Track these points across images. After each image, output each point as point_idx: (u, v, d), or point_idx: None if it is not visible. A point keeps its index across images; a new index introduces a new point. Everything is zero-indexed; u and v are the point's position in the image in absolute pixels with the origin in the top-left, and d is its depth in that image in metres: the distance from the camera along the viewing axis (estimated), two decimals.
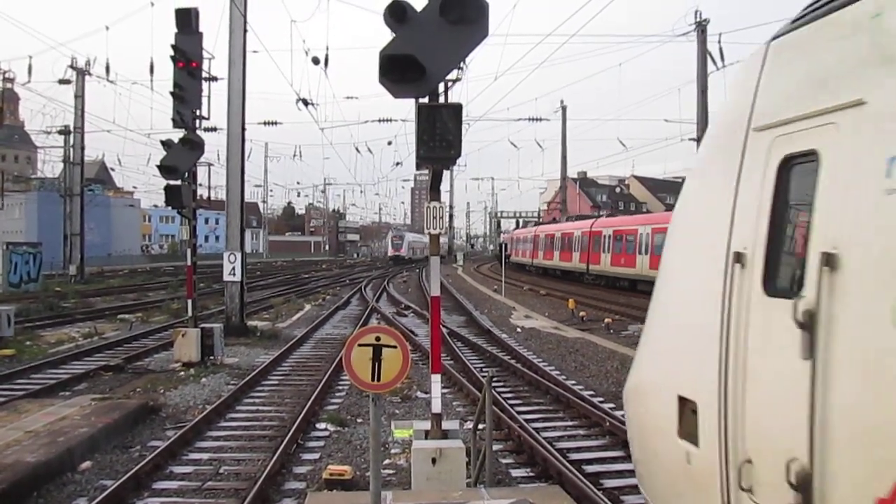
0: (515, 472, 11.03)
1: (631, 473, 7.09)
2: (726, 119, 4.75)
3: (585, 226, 53.85)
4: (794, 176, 3.87)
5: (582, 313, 31.00)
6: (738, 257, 4.08)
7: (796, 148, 3.81)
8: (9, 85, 47.95)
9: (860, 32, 3.56)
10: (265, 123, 50.13)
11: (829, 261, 3.37)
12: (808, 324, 3.42)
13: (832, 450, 3.28)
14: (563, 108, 42.82)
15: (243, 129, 25.74)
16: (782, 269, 3.90)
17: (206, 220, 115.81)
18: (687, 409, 4.42)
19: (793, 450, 3.46)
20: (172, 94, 20.28)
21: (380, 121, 48.33)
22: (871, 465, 3.09)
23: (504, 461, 11.48)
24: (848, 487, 3.20)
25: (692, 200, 5.05)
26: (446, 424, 9.16)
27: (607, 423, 12.86)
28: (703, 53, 29.38)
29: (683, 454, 4.44)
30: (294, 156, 79.36)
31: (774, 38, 4.37)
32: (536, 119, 46.50)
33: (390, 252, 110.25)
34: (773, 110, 4.07)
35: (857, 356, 3.24)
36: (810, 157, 3.66)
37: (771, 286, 3.86)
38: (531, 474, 10.94)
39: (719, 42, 28.95)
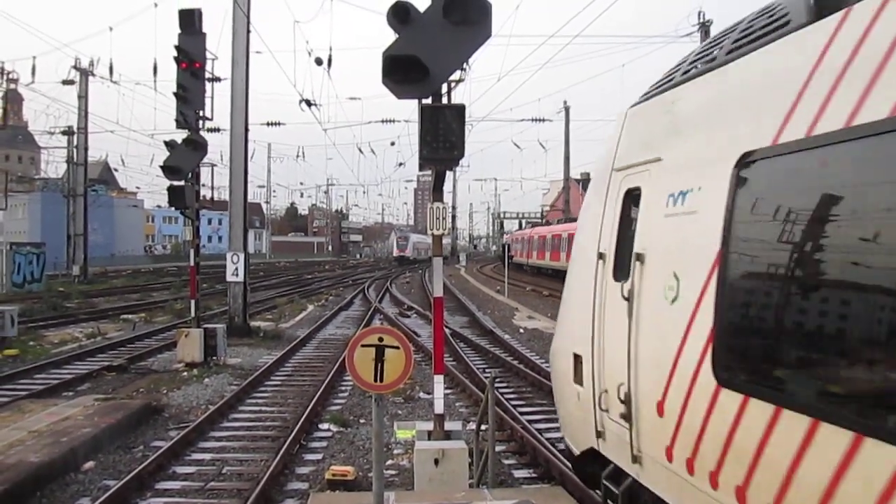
0: (518, 473, 11.03)
1: None
2: (601, 162, 6.82)
3: (572, 227, 54.00)
4: (630, 203, 5.87)
5: None
6: (601, 256, 6.13)
7: (632, 184, 5.81)
8: (12, 85, 48.11)
9: (666, 112, 5.51)
10: (268, 124, 50.19)
11: (639, 258, 5.36)
12: (629, 298, 5.41)
13: (638, 376, 5.27)
14: (567, 109, 42.80)
15: (246, 129, 25.77)
16: (621, 264, 5.80)
17: (210, 221, 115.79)
18: (578, 362, 6.40)
19: (622, 379, 5.46)
20: (176, 94, 20.30)
21: (383, 121, 48.34)
22: (653, 383, 5.01)
23: (507, 462, 11.48)
24: (646, 398, 5.16)
25: (583, 217, 7.32)
26: (449, 425, 9.15)
27: None
28: None
29: (576, 394, 6.46)
30: (297, 156, 79.86)
31: (631, 106, 6.33)
32: (539, 120, 46.42)
33: (395, 252, 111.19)
34: (624, 158, 6.10)
35: (648, 317, 5.20)
36: (637, 191, 5.69)
37: (616, 275, 5.84)
38: (534, 475, 10.94)
39: None
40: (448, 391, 15.54)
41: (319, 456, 11.95)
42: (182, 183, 19.59)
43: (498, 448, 10.62)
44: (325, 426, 13.71)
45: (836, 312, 3.68)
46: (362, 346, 6.44)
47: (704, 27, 28.94)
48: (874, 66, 3.45)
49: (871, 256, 3.46)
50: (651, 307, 5.16)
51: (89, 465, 11.13)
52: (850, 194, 3.65)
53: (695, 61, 5.52)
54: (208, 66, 21.32)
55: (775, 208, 4.08)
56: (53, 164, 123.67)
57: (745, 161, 4.33)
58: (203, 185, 23.52)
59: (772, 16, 4.62)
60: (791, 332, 3.96)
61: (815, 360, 3.85)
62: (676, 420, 4.71)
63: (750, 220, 4.29)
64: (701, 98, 5.12)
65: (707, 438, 4.40)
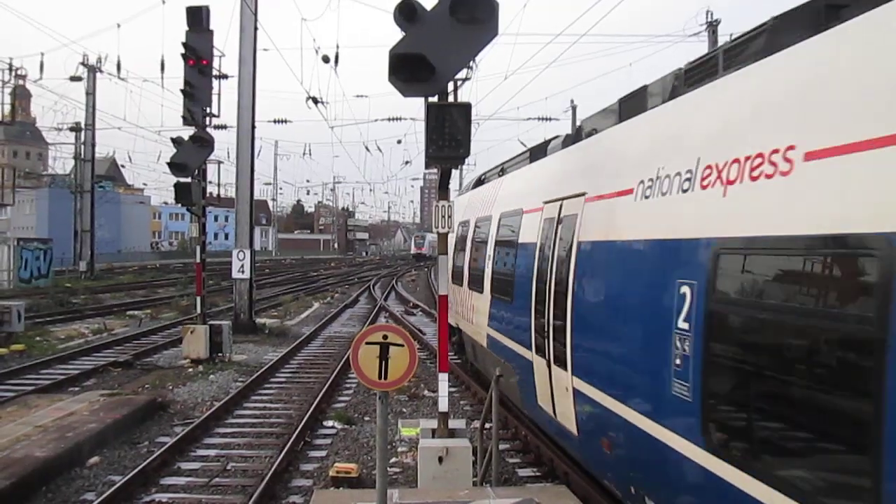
0: (522, 472, 11.04)
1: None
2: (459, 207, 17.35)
3: None
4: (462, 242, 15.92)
5: None
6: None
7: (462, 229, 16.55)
8: (21, 82, 48.16)
9: (487, 192, 15.40)
10: (275, 121, 50.26)
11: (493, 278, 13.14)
12: (489, 297, 13.18)
13: (478, 324, 14.01)
14: (573, 108, 42.55)
15: (253, 126, 25.79)
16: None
17: (216, 218, 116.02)
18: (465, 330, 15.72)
19: (476, 327, 14.17)
20: (183, 91, 20.34)
21: (389, 119, 48.31)
22: (473, 326, 14.67)
23: (511, 460, 11.49)
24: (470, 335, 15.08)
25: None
26: (453, 423, 9.16)
27: None
28: None
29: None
30: (304, 154, 79.57)
31: (458, 195, 18.68)
32: (546, 119, 46.26)
33: (413, 250, 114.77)
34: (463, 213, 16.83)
35: (484, 302, 13.48)
36: (465, 224, 16.33)
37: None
38: (538, 474, 10.95)
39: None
40: (452, 389, 15.55)
41: (324, 453, 11.98)
42: (189, 180, 19.62)
43: (502, 446, 10.62)
44: (329, 423, 13.73)
45: None
46: (367, 343, 6.45)
47: (712, 26, 28.79)
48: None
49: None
50: (478, 296, 14.01)
51: (94, 460, 11.17)
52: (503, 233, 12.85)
53: (475, 185, 18.06)
54: (215, 64, 21.38)
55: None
56: (61, 161, 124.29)
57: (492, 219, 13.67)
58: (210, 182, 23.70)
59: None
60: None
61: None
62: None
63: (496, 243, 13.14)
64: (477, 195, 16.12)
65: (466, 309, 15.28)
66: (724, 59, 6.68)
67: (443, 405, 9.09)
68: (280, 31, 35.47)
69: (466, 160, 9.17)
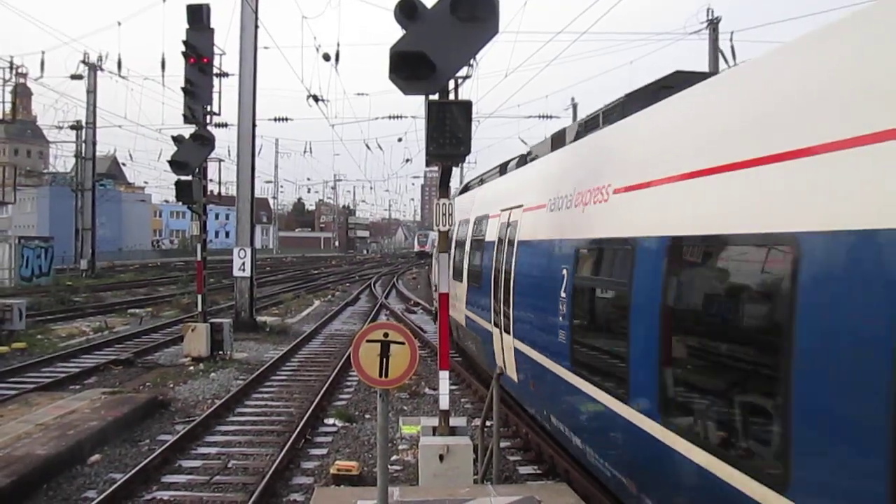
0: (523, 470, 11.04)
1: None
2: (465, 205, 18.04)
3: None
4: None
5: None
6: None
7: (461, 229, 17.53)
8: (21, 80, 48.12)
9: (469, 198, 18.01)
10: (276, 119, 50.25)
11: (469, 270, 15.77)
12: (466, 286, 15.95)
13: (459, 309, 16.41)
14: (574, 106, 42.46)
15: (254, 125, 25.78)
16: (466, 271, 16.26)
17: (217, 216, 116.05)
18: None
19: (458, 312, 16.42)
20: (184, 89, 20.33)
21: (390, 117, 48.32)
22: (456, 311, 16.50)
23: (511, 458, 11.50)
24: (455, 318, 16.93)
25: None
26: (454, 421, 9.17)
27: None
28: (715, 51, 29.16)
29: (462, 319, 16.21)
30: (304, 152, 79.37)
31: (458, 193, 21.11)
32: (547, 116, 46.18)
33: (416, 248, 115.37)
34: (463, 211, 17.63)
35: (463, 289, 16.23)
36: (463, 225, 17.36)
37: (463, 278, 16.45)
38: (538, 472, 10.95)
39: (731, 40, 28.68)
40: (453, 387, 15.56)
41: (325, 451, 11.99)
42: (189, 178, 19.62)
43: (502, 444, 10.62)
44: (330, 421, 13.74)
45: None
46: (368, 341, 6.45)
47: (713, 24, 28.75)
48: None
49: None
50: (466, 287, 15.96)
51: (96, 458, 11.19)
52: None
53: (461, 191, 22.04)
54: (216, 62, 21.34)
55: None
56: (62, 159, 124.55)
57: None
58: (210, 181, 23.58)
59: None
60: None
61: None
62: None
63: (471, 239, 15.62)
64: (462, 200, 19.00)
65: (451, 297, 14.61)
66: (602, 118, 9.63)
67: (444, 403, 9.10)
68: (281, 28, 35.47)
69: (467, 158, 9.18)
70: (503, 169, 15.87)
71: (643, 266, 6.46)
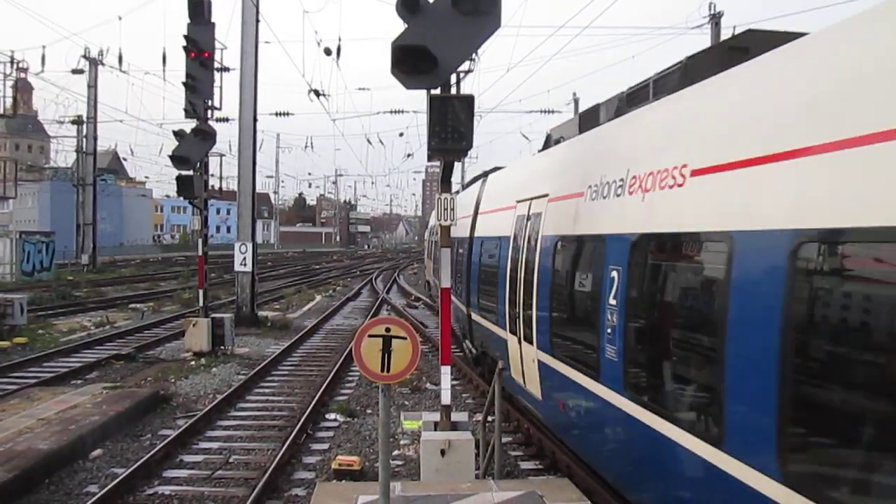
0: (524, 465, 11.04)
1: None
2: (467, 201, 17.06)
3: None
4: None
5: None
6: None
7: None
8: (22, 74, 48.03)
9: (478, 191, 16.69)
10: (277, 114, 50.04)
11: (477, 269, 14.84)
12: (471, 286, 15.54)
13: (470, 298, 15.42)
14: (576, 101, 42.34)
15: (255, 119, 25.75)
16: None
17: (218, 211, 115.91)
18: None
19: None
20: (185, 84, 20.29)
21: (392, 112, 48.17)
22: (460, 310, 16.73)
23: (513, 453, 11.50)
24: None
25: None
26: (455, 416, 9.16)
27: None
28: None
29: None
30: (305, 147, 79.36)
31: (483, 176, 17.64)
32: (549, 111, 46.09)
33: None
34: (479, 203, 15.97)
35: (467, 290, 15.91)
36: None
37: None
38: (539, 467, 10.95)
39: (733, 34, 28.72)
40: (455, 382, 15.55)
41: (326, 446, 11.99)
42: (191, 172, 19.61)
43: (504, 439, 10.62)
44: (331, 416, 13.75)
45: None
46: (369, 336, 6.43)
47: (715, 19, 28.69)
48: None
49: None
50: (475, 277, 14.90)
51: (97, 452, 11.19)
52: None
53: (475, 179, 20.43)
54: (217, 56, 21.30)
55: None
56: (63, 154, 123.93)
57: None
58: (212, 175, 23.64)
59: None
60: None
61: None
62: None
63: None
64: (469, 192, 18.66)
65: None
66: (653, 88, 8.32)
67: (445, 398, 9.09)
68: (282, 23, 35.42)
69: (468, 153, 9.14)
70: (477, 178, 17.51)
71: (746, 268, 5.05)
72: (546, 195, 10.07)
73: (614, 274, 7.19)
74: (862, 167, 4.12)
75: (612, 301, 7.16)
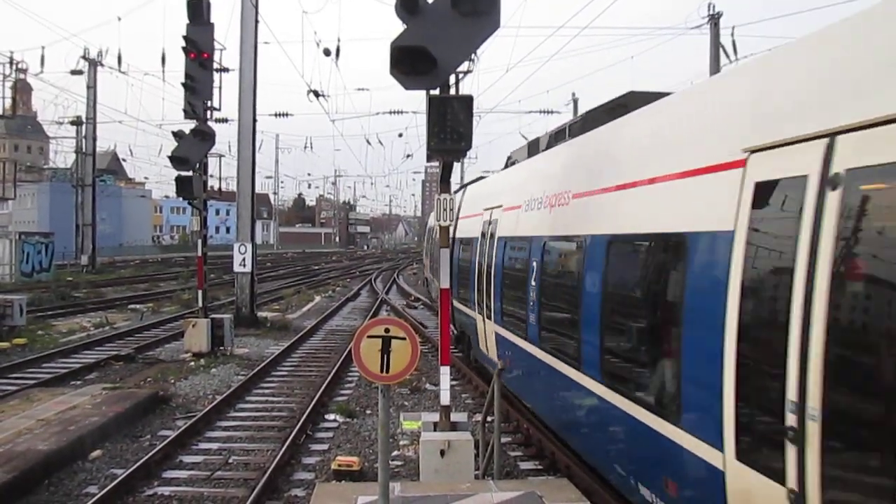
0: (524, 465, 11.05)
1: None
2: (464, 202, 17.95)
3: None
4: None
5: None
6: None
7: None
8: (21, 75, 47.97)
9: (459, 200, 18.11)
10: (276, 115, 50.01)
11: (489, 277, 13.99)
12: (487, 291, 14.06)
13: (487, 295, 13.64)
14: (575, 101, 42.33)
15: (254, 120, 25.76)
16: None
17: (217, 211, 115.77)
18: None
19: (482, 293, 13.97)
20: (184, 85, 20.29)
21: (391, 112, 48.15)
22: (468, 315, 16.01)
23: (512, 454, 11.50)
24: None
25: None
26: (455, 416, 9.16)
27: None
28: (716, 46, 29.11)
29: (476, 317, 14.70)
30: (305, 147, 79.44)
31: (461, 191, 19.73)
32: (548, 112, 46.09)
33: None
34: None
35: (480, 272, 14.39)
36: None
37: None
38: (539, 467, 10.95)
39: (732, 35, 28.58)
40: (454, 382, 15.55)
41: (326, 446, 11.99)
42: (190, 173, 19.61)
43: (504, 440, 10.62)
44: (331, 417, 13.75)
45: None
46: (369, 336, 6.44)
47: (714, 19, 28.69)
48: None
49: None
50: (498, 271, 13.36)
51: (97, 453, 11.19)
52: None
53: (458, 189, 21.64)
54: (216, 57, 21.32)
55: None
56: (62, 154, 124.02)
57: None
58: (211, 176, 23.69)
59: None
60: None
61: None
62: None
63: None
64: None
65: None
66: (569, 131, 11.44)
67: (444, 398, 9.09)
68: (281, 23, 35.42)
69: (468, 153, 9.15)
70: (471, 182, 19.55)
71: (592, 256, 8.14)
72: (501, 206, 13.04)
73: (534, 264, 10.21)
74: (625, 201, 7.33)
75: (533, 283, 10.22)
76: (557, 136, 12.00)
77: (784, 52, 5.76)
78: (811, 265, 4.21)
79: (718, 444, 5.10)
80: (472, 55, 8.90)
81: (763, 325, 4.82)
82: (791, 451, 4.26)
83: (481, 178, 20.52)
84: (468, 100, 8.48)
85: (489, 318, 13.29)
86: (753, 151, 5.07)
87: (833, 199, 4.11)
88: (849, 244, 4.06)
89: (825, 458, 4.03)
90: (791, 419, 4.27)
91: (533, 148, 13.77)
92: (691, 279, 5.74)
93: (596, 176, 8.29)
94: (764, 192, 4.90)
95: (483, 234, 14.09)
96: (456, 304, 16.74)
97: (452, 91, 8.88)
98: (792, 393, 4.28)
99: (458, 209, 17.27)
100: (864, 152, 3.97)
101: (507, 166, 16.26)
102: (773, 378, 4.50)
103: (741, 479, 4.87)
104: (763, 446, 4.73)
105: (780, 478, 4.36)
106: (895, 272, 3.85)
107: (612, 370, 7.45)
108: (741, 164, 5.16)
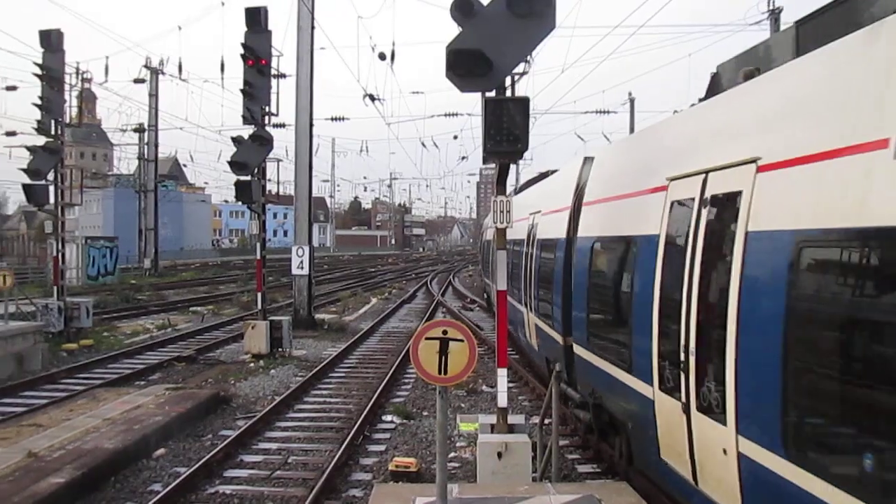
0: (581, 468, 10.94)
1: None
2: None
3: None
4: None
5: None
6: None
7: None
8: (87, 85, 49.24)
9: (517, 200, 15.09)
10: (332, 119, 50.47)
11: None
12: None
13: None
14: (632, 101, 41.83)
15: (311, 124, 26.05)
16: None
17: (275, 215, 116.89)
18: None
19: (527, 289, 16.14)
20: (242, 91, 20.62)
21: (446, 115, 48.10)
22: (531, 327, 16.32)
23: (570, 456, 11.40)
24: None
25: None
26: (512, 419, 9.13)
27: None
28: None
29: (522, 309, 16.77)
30: (361, 151, 79.73)
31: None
32: (604, 112, 45.61)
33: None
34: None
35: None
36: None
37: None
38: (597, 470, 10.83)
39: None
40: (511, 385, 15.49)
41: (383, 447, 12.05)
42: (249, 178, 19.89)
43: (561, 442, 10.53)
44: (388, 418, 13.81)
45: None
46: (427, 338, 6.47)
47: (774, 15, 28.04)
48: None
49: None
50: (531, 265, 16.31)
51: (160, 452, 11.43)
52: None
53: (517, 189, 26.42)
54: (274, 63, 21.57)
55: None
56: (125, 161, 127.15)
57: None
58: (269, 180, 23.96)
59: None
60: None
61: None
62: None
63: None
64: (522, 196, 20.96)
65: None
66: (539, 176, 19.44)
67: (502, 401, 9.07)
68: (337, 29, 35.74)
69: (524, 155, 9.12)
70: (534, 180, 22.03)
71: (554, 253, 12.84)
72: (539, 211, 15.26)
73: (560, 259, 12.31)
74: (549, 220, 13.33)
75: (557, 278, 12.29)
76: (543, 175, 19.29)
77: (687, 113, 8.66)
78: (693, 255, 6.45)
79: (650, 382, 7.31)
80: (528, 56, 8.87)
81: (670, 298, 6.95)
82: (682, 377, 6.47)
83: (532, 181, 22.61)
84: (524, 101, 8.45)
85: (531, 310, 15.31)
86: (672, 179, 7.25)
87: (704, 213, 6.40)
88: (711, 242, 6.30)
89: (698, 379, 6.21)
90: (682, 356, 6.44)
91: (538, 179, 20.37)
92: (637, 267, 8.08)
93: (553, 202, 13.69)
94: (675, 207, 7.10)
95: (528, 235, 15.99)
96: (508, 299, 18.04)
97: (508, 93, 8.86)
98: (683, 339, 6.47)
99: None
100: (716, 185, 6.30)
101: (518, 192, 22.99)
102: (677, 332, 6.62)
103: (661, 403, 7.12)
104: (670, 377, 6.86)
105: (678, 396, 6.58)
106: (734, 256, 5.73)
107: (594, 333, 10.06)
108: (665, 188, 7.36)
